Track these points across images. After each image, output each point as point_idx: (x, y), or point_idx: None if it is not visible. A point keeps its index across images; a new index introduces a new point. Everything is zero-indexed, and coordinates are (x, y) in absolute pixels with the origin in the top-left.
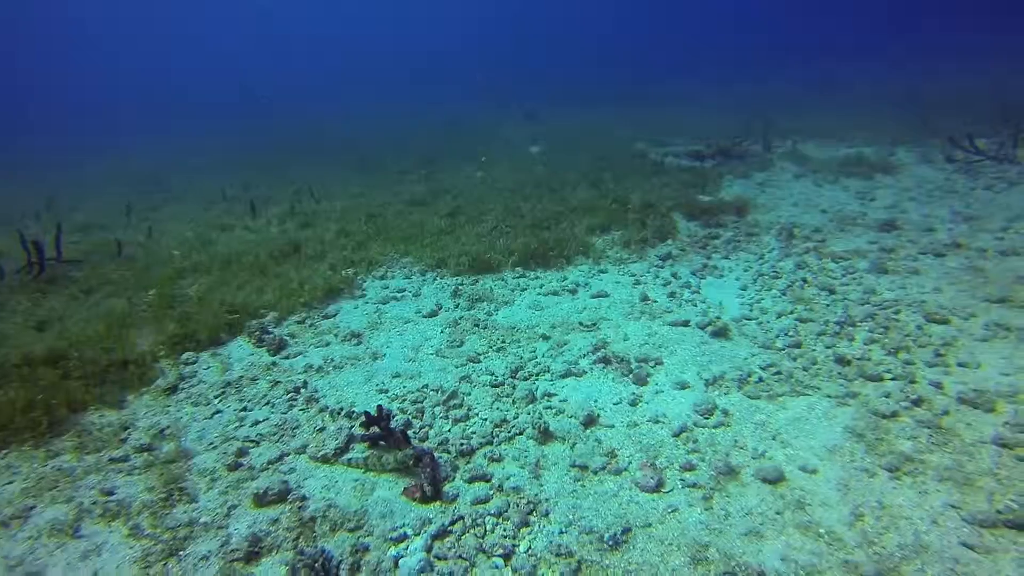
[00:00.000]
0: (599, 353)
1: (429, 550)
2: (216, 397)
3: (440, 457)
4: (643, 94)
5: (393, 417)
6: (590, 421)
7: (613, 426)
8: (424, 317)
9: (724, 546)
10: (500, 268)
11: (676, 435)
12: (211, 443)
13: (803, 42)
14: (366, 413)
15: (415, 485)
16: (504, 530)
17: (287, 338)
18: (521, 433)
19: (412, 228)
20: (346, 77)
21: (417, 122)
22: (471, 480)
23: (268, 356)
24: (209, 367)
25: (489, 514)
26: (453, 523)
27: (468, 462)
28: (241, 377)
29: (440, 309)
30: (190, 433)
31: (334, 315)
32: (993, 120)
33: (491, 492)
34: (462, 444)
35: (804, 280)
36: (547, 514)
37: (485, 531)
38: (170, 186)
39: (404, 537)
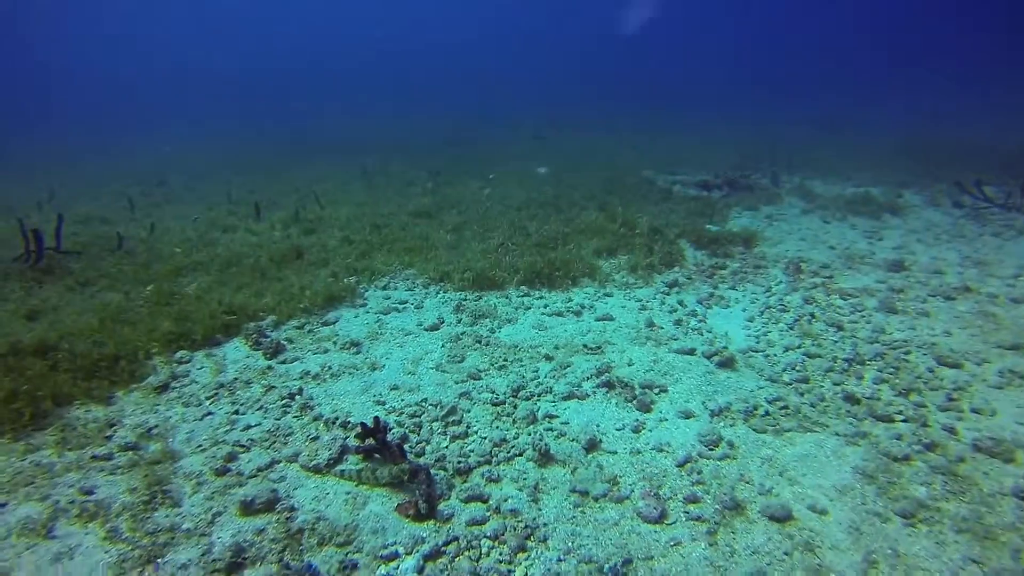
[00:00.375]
0: (603, 377)
1: (421, 571)
2: (208, 398)
3: (436, 474)
4: (652, 123)
5: (390, 430)
6: (592, 446)
7: (616, 452)
8: (425, 330)
9: None
10: (504, 286)
11: (680, 465)
12: (200, 445)
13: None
14: (362, 424)
15: (409, 502)
16: (500, 554)
17: (284, 343)
18: (521, 454)
19: (417, 240)
20: (352, 85)
21: (423, 127)
22: (468, 500)
23: (264, 360)
24: (203, 367)
25: (485, 536)
26: (447, 544)
27: (465, 481)
28: (235, 379)
29: (442, 323)
30: (179, 434)
31: (334, 322)
32: (996, 169)
33: (488, 513)
34: (460, 462)
35: (812, 315)
36: (545, 540)
37: (480, 554)
38: (172, 187)
39: (395, 555)
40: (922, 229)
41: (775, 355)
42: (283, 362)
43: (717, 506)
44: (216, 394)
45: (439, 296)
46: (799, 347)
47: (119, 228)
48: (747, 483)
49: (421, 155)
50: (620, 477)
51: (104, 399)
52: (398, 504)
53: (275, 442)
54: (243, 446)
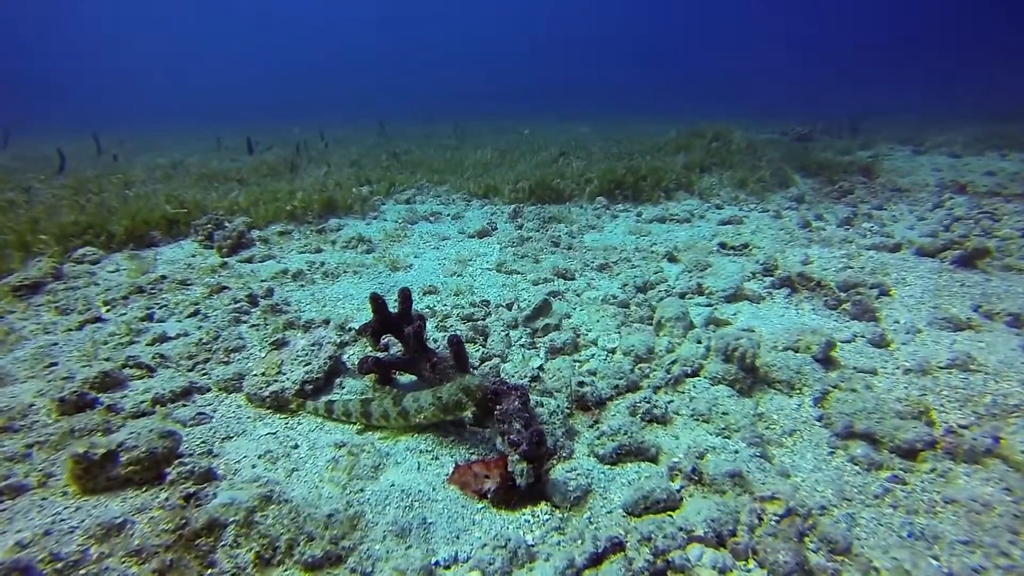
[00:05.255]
0: (775, 275)
1: None
2: (108, 303)
3: (534, 402)
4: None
5: (425, 337)
6: (827, 360)
7: (874, 371)
8: (470, 237)
9: None
10: (573, 198)
11: None
12: (51, 365)
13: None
14: (373, 301)
15: (485, 463)
16: None
17: (255, 240)
18: (695, 373)
19: (448, 164)
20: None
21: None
22: (615, 457)
23: (217, 257)
24: (119, 269)
25: (697, 538)
26: (598, 561)
27: (597, 421)
28: (163, 278)
29: (494, 229)
30: (21, 350)
31: (335, 230)
32: None
33: (677, 484)
34: (581, 389)
35: None
36: (847, 549)
37: None
38: (161, 144)
39: None
40: None
41: None
42: (247, 260)
43: None
44: (125, 298)
45: (484, 209)
46: None
47: (81, 164)
48: None
49: (444, 119)
50: (933, 409)
51: None
52: (456, 467)
53: (207, 359)
54: (142, 365)
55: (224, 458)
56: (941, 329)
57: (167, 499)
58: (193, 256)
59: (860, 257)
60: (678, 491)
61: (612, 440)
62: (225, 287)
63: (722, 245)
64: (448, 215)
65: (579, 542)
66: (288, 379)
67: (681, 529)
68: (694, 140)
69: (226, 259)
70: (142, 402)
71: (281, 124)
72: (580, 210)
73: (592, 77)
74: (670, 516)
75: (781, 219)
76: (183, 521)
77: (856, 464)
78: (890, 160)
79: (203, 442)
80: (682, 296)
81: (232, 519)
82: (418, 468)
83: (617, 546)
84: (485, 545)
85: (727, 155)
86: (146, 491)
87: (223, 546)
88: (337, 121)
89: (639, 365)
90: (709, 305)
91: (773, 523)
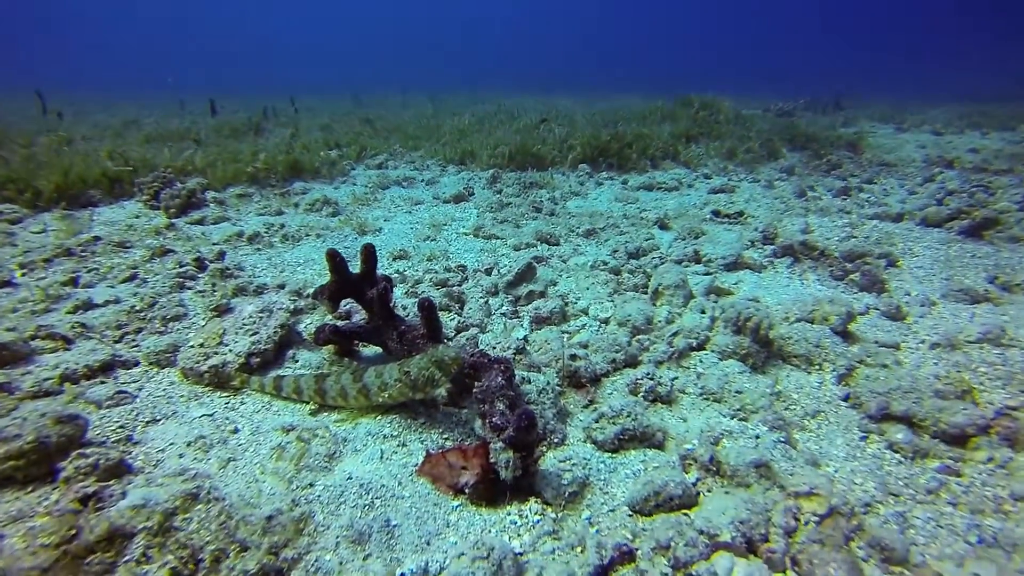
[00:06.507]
0: (777, 244)
1: None
2: (25, 266)
3: (518, 378)
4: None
5: (392, 303)
6: (846, 333)
7: (896, 346)
8: (445, 202)
9: None
10: (555, 164)
11: None
12: None
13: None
14: (331, 257)
15: (462, 450)
16: None
17: (208, 201)
18: (701, 346)
19: (424, 130)
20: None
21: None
22: (618, 443)
23: (164, 218)
24: (46, 229)
25: (723, 544)
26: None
27: (591, 400)
28: (96, 239)
29: (471, 194)
30: None
31: (300, 194)
32: None
33: (692, 476)
34: (574, 364)
35: None
36: (899, 555)
37: None
38: (123, 106)
39: None
40: None
41: None
42: (197, 222)
43: None
44: (47, 261)
45: (461, 175)
46: None
47: (19, 121)
48: None
49: (421, 92)
50: (975, 389)
51: None
52: (427, 456)
53: (139, 329)
54: (56, 336)
55: (145, 446)
56: (957, 301)
57: (57, 502)
58: (136, 217)
59: (863, 226)
60: (694, 484)
61: (613, 423)
62: (170, 250)
63: (715, 213)
64: (422, 180)
65: (579, 550)
66: (231, 351)
67: (703, 533)
68: (680, 110)
69: (173, 220)
70: (47, 379)
71: (257, 96)
72: (563, 177)
73: (573, 54)
74: (687, 515)
75: (774, 189)
76: (72, 532)
77: (897, 452)
78: (874, 137)
79: (121, 427)
80: (678, 263)
81: (143, 526)
82: (381, 457)
83: (627, 556)
84: (462, 554)
85: (715, 126)
86: (31, 492)
87: (127, 562)
88: (312, 93)
89: (637, 337)
90: (708, 273)
91: (814, 525)
